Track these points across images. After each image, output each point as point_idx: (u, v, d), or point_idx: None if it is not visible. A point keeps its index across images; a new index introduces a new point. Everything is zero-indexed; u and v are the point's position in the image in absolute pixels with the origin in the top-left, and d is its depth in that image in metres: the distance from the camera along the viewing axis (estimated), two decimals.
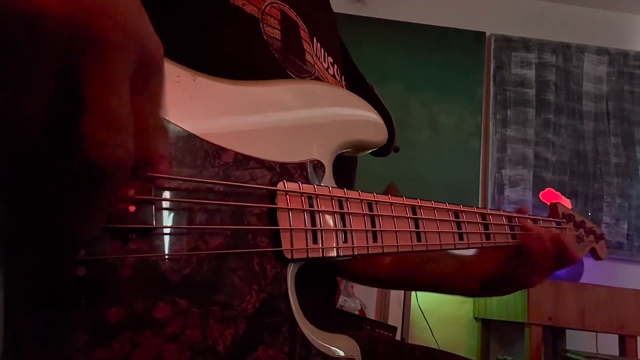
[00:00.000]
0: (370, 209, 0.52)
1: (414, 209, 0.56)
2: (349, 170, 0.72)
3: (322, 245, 0.46)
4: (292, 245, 0.43)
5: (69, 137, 0.23)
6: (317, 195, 0.47)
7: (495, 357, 2.37)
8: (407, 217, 0.55)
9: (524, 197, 2.67)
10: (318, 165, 0.50)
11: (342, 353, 0.46)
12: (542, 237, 0.70)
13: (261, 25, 0.57)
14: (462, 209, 0.63)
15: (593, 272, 2.29)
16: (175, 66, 0.39)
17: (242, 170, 0.42)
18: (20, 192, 0.25)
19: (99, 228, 0.31)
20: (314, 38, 0.67)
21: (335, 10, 0.82)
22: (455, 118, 2.77)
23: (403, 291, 2.40)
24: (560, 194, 2.27)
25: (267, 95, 0.47)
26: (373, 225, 0.51)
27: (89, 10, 0.22)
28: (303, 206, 0.45)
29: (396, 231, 0.53)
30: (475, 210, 0.65)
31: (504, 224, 0.70)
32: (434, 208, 0.59)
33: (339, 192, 0.49)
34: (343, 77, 0.74)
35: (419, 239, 0.56)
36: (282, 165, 0.45)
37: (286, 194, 0.44)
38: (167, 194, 0.36)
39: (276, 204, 0.43)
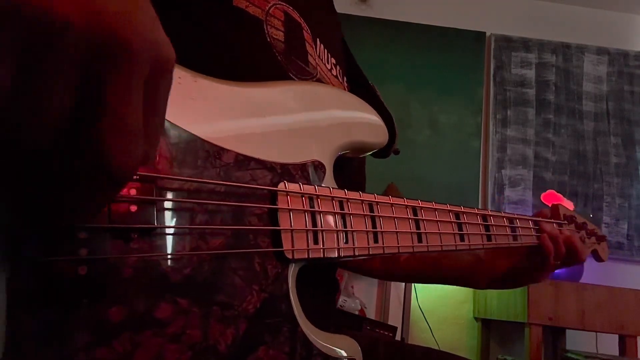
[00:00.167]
0: (371, 210, 0.52)
1: (414, 210, 0.56)
2: (352, 170, 0.72)
3: (323, 245, 0.46)
4: (293, 246, 0.43)
5: (80, 142, 0.23)
6: (317, 196, 0.47)
7: (495, 357, 2.37)
8: (408, 218, 0.55)
9: (524, 197, 2.67)
10: (319, 166, 0.50)
11: (343, 353, 0.46)
12: (558, 238, 0.74)
13: (265, 26, 0.57)
14: (463, 210, 0.63)
15: (593, 272, 2.29)
16: (176, 68, 0.39)
17: (243, 171, 0.42)
18: (21, 192, 0.25)
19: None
20: (317, 39, 0.67)
21: (338, 10, 0.82)
22: (455, 118, 2.77)
23: (403, 291, 2.40)
24: (562, 196, 2.27)
25: (268, 96, 0.47)
26: (374, 226, 0.51)
27: (111, 20, 0.22)
28: (304, 207, 0.45)
29: (397, 232, 0.53)
30: (477, 212, 0.65)
31: (505, 225, 0.70)
32: (435, 209, 0.59)
33: (339, 193, 0.49)
34: (345, 79, 0.74)
35: (419, 240, 0.56)
36: (283, 166, 0.46)
37: (287, 195, 0.44)
38: (168, 194, 0.36)
39: (277, 205, 0.43)
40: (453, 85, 2.81)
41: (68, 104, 0.22)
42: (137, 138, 0.24)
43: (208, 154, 0.39)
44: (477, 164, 2.72)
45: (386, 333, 2.08)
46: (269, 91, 0.48)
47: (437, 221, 0.59)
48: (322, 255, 0.45)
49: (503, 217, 0.70)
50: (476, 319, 2.50)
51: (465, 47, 2.86)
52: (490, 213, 0.68)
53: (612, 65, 2.88)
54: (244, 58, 0.55)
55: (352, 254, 0.49)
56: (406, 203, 0.56)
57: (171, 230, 0.36)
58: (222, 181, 0.40)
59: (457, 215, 0.62)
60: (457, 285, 0.82)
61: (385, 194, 0.54)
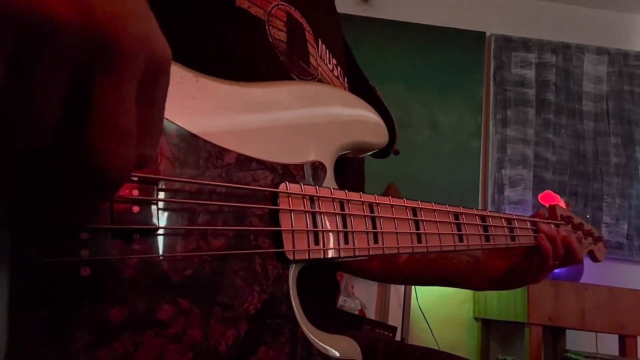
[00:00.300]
0: (371, 211, 0.52)
1: (414, 211, 0.57)
2: (352, 170, 0.72)
3: (324, 246, 0.46)
4: (294, 247, 0.43)
5: (72, 143, 0.23)
6: (318, 197, 0.47)
7: (495, 357, 2.37)
8: (408, 219, 0.55)
9: (524, 197, 2.67)
10: (320, 167, 0.50)
11: (343, 354, 0.46)
12: (555, 239, 0.75)
13: (267, 27, 0.57)
14: (462, 211, 0.63)
15: (593, 272, 2.29)
16: (178, 67, 0.40)
17: (244, 171, 0.42)
18: (21, 192, 0.25)
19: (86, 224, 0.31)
20: (319, 40, 0.67)
21: (340, 10, 0.83)
22: (455, 118, 2.77)
23: (403, 291, 2.40)
24: (558, 196, 2.27)
25: (270, 96, 0.47)
26: (374, 226, 0.51)
27: (101, 17, 0.22)
28: (305, 207, 0.45)
29: (397, 233, 0.54)
30: (475, 212, 0.65)
31: (503, 226, 0.71)
32: (435, 210, 0.59)
33: (340, 194, 0.49)
34: (346, 79, 0.74)
35: (419, 241, 0.56)
36: (284, 166, 0.46)
37: (288, 196, 0.44)
38: (170, 195, 0.36)
39: (278, 205, 0.43)
40: (453, 85, 2.81)
41: (59, 104, 0.22)
42: (128, 140, 0.24)
43: (210, 154, 0.39)
44: (477, 164, 2.72)
45: (386, 333, 2.08)
46: (270, 91, 0.48)
47: (436, 222, 0.59)
48: (322, 256, 0.46)
49: (501, 217, 0.71)
50: (476, 319, 2.50)
51: (465, 47, 2.86)
52: (488, 214, 0.68)
53: (612, 65, 2.88)
54: (245, 58, 0.55)
55: (352, 254, 0.49)
56: (406, 204, 0.56)
57: (173, 231, 0.36)
58: (224, 182, 0.40)
59: (456, 216, 0.62)
60: (456, 287, 0.82)
61: (385, 194, 0.55)
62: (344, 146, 0.55)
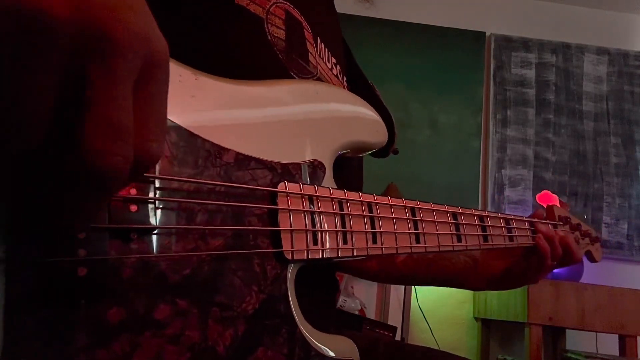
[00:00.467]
0: (370, 211, 0.52)
1: (413, 211, 0.56)
2: (350, 170, 0.72)
3: (322, 246, 0.46)
4: (292, 246, 0.43)
5: (67, 142, 0.22)
6: (317, 197, 0.47)
7: (495, 357, 2.37)
8: (407, 219, 0.55)
9: (524, 197, 2.67)
10: (319, 166, 0.50)
11: (341, 354, 0.46)
12: (553, 239, 0.75)
13: (265, 25, 0.57)
14: (460, 211, 0.63)
15: (593, 272, 2.29)
16: (177, 65, 0.39)
17: (243, 171, 0.42)
18: (20, 191, 0.25)
19: (89, 226, 0.31)
20: (318, 38, 0.67)
21: (341, 10, 0.82)
22: (455, 118, 2.77)
23: (403, 291, 2.40)
24: (556, 196, 2.27)
25: (269, 95, 0.47)
26: (373, 226, 0.51)
27: (95, 11, 0.21)
28: (303, 207, 0.45)
29: (395, 233, 0.53)
30: (474, 213, 0.65)
31: (502, 227, 0.70)
32: (433, 210, 0.59)
33: (339, 194, 0.49)
34: (345, 78, 0.74)
35: (417, 241, 0.56)
36: (283, 165, 0.45)
37: (287, 195, 0.44)
38: (168, 194, 0.36)
39: (277, 205, 0.43)
40: (453, 85, 2.81)
41: (53, 101, 0.21)
42: (124, 137, 0.23)
43: (209, 153, 0.39)
44: (477, 164, 2.72)
45: (386, 333, 2.08)
46: (269, 90, 0.48)
47: (434, 222, 0.59)
48: (320, 256, 0.45)
49: (499, 218, 0.70)
50: (476, 319, 2.50)
51: (465, 47, 2.86)
52: (487, 214, 0.68)
53: (612, 65, 2.88)
54: (244, 56, 0.55)
55: (350, 254, 0.48)
56: (405, 204, 0.56)
57: (171, 231, 0.36)
58: (223, 181, 0.40)
59: (454, 216, 0.62)
60: (454, 287, 0.82)
61: (385, 194, 0.54)
62: (343, 145, 0.55)
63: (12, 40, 0.20)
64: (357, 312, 2.22)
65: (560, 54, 2.88)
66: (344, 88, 0.71)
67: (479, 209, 0.67)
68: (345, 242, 0.48)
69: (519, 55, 2.86)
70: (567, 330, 2.37)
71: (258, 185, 0.42)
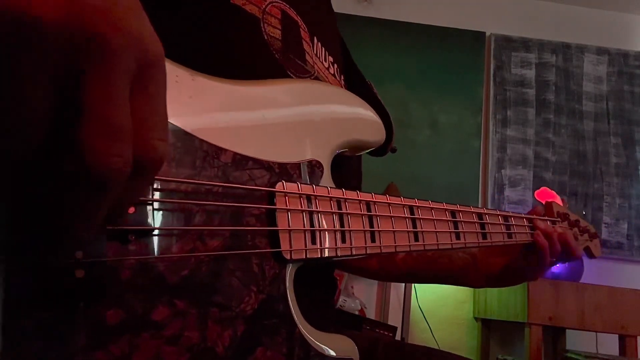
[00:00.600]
0: (369, 209, 0.52)
1: (411, 209, 0.56)
2: (350, 169, 0.72)
3: (321, 245, 0.46)
4: (290, 246, 0.43)
5: (66, 144, 0.22)
6: (315, 196, 0.47)
7: (495, 357, 2.37)
8: (405, 217, 0.55)
9: (524, 197, 2.67)
10: (316, 166, 0.50)
11: (341, 353, 0.46)
12: (552, 235, 0.75)
13: (262, 25, 0.57)
14: (459, 208, 0.63)
15: (593, 272, 2.29)
16: (174, 66, 0.39)
17: (241, 171, 0.42)
18: (20, 192, 0.25)
19: (93, 230, 0.31)
20: (315, 37, 0.67)
21: (339, 10, 0.82)
22: (455, 118, 2.76)
23: (403, 291, 2.40)
24: (554, 193, 2.27)
25: (266, 95, 0.47)
26: (371, 225, 0.51)
27: (88, 13, 0.21)
28: (302, 207, 0.45)
29: (394, 231, 0.53)
30: (472, 210, 0.65)
31: (500, 224, 0.70)
32: (432, 208, 0.59)
33: (337, 193, 0.49)
34: (342, 77, 0.74)
35: (416, 239, 0.56)
36: (281, 165, 0.45)
37: (285, 195, 0.44)
38: (166, 195, 0.36)
39: (275, 205, 0.43)
40: (453, 85, 2.81)
41: (49, 104, 0.21)
42: (122, 137, 0.23)
43: (206, 153, 0.39)
44: (477, 164, 2.72)
45: (386, 333, 2.08)
46: (266, 90, 0.48)
47: (433, 220, 0.59)
48: (319, 255, 0.45)
49: (498, 215, 0.70)
50: (476, 319, 2.50)
51: (465, 47, 2.86)
52: (485, 211, 0.68)
53: (612, 65, 2.87)
54: (241, 56, 0.55)
55: (349, 253, 0.48)
56: (403, 202, 0.56)
57: (169, 232, 0.36)
58: (220, 181, 0.40)
59: (453, 213, 0.62)
60: (454, 284, 0.83)
61: (385, 194, 0.54)
62: (341, 144, 0.55)
63: (4, 44, 0.20)
64: (357, 312, 2.22)
65: (560, 54, 2.87)
66: (342, 87, 0.71)
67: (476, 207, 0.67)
68: (343, 241, 0.48)
69: (519, 55, 2.86)
70: (567, 330, 2.37)
71: (256, 185, 0.42)
